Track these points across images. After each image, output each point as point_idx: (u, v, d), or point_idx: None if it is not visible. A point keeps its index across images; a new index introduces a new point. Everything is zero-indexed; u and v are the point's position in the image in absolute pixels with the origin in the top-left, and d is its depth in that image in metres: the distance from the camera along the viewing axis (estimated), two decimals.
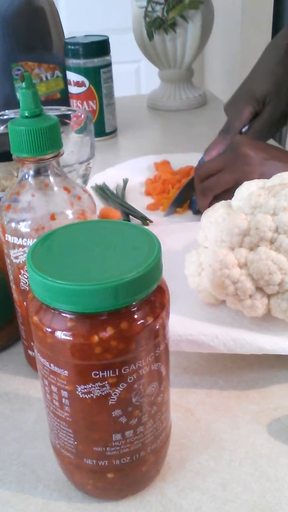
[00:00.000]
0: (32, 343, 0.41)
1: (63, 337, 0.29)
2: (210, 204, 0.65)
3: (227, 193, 0.63)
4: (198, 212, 0.70)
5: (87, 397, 0.30)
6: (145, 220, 0.68)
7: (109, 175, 0.79)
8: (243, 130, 0.76)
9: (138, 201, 0.75)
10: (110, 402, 0.30)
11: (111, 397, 0.30)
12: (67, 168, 0.62)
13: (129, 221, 0.69)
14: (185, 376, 0.45)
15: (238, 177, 0.61)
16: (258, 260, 0.42)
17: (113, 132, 1.04)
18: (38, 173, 0.39)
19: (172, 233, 0.59)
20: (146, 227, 0.32)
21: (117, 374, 0.29)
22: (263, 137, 0.76)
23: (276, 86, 0.77)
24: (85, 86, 0.98)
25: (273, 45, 0.82)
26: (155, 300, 0.30)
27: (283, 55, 0.78)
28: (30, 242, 0.40)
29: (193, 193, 0.71)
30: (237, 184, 0.61)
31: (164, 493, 0.36)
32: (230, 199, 0.62)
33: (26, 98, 0.36)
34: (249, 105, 0.77)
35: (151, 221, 0.68)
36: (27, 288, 0.42)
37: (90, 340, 0.28)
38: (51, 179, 0.40)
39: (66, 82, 1.02)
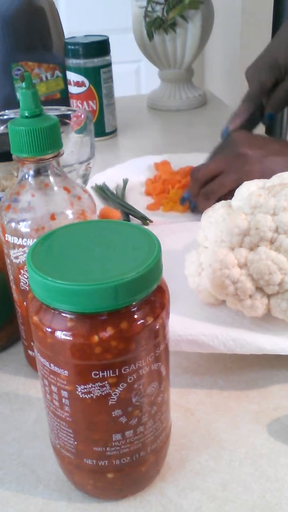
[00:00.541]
0: (32, 343, 0.41)
1: (63, 337, 0.29)
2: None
3: (229, 195, 0.62)
4: (194, 209, 0.70)
5: (87, 397, 0.30)
6: (145, 220, 0.68)
7: (109, 175, 0.79)
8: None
9: (138, 201, 0.75)
10: (110, 402, 0.30)
11: (111, 397, 0.30)
12: (67, 168, 0.62)
13: (129, 221, 0.69)
14: (185, 376, 0.45)
15: (239, 177, 0.61)
16: (258, 260, 0.42)
17: (113, 132, 1.04)
18: (38, 173, 0.39)
19: (172, 233, 0.59)
20: (146, 227, 0.32)
21: (117, 374, 0.29)
22: (281, 105, 0.75)
23: None
24: (85, 86, 0.98)
25: None
26: (155, 300, 0.30)
27: None
28: (30, 242, 0.40)
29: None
30: (239, 184, 0.61)
31: (164, 493, 0.36)
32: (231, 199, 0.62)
33: (26, 98, 0.36)
34: (271, 73, 0.76)
35: (151, 221, 0.68)
36: (27, 288, 0.42)
37: (90, 340, 0.28)
38: (51, 179, 0.40)
39: (66, 82, 1.02)
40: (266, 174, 0.59)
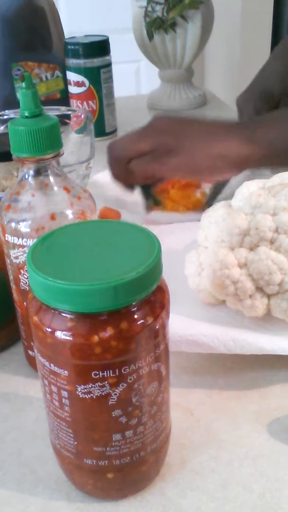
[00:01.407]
0: (32, 343, 0.41)
1: (63, 337, 0.29)
2: (131, 176, 0.61)
3: (143, 158, 0.59)
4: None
5: (87, 397, 0.30)
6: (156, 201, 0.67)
7: (109, 175, 0.79)
8: None
9: (137, 201, 0.75)
10: (110, 402, 0.30)
11: (111, 397, 0.30)
12: (67, 168, 0.61)
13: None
14: (185, 376, 0.45)
15: (152, 143, 0.58)
16: (258, 260, 0.42)
17: (113, 132, 1.04)
18: (38, 173, 0.39)
19: (172, 233, 0.59)
20: (146, 227, 0.32)
21: (117, 374, 0.29)
22: None
23: None
24: (85, 86, 0.98)
25: (285, 47, 0.82)
26: (155, 300, 0.30)
27: None
28: (30, 242, 0.40)
29: (222, 189, 0.70)
30: (152, 151, 0.58)
31: (164, 493, 0.36)
32: (147, 165, 0.59)
33: (26, 98, 0.36)
34: (266, 102, 0.76)
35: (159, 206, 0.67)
36: (27, 288, 0.42)
37: (90, 340, 0.28)
38: (51, 179, 0.40)
39: (66, 82, 1.02)
40: (182, 140, 0.57)
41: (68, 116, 0.66)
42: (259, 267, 0.42)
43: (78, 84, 0.98)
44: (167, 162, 0.58)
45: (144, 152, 0.59)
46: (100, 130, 1.01)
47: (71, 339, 0.29)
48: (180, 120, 0.60)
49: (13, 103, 1.00)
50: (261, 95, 0.77)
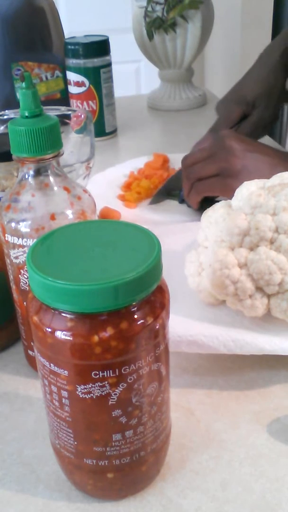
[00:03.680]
0: (32, 343, 0.41)
1: (63, 337, 0.29)
2: (198, 195, 0.66)
3: (210, 181, 0.64)
4: (183, 201, 0.72)
5: (87, 397, 0.30)
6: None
7: (109, 175, 0.79)
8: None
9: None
10: (110, 402, 0.30)
11: (111, 397, 0.30)
12: (67, 168, 0.61)
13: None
14: (185, 376, 0.45)
15: (221, 166, 0.63)
16: (258, 260, 0.42)
17: (113, 132, 1.04)
18: (38, 173, 0.39)
19: (172, 233, 0.59)
20: (146, 227, 0.32)
21: (117, 374, 0.29)
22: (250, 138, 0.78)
23: (267, 91, 0.80)
24: (85, 86, 0.98)
25: (268, 51, 0.85)
26: (155, 300, 0.30)
27: (275, 63, 0.82)
28: (30, 242, 0.40)
29: (177, 186, 0.74)
30: (220, 172, 0.62)
31: (164, 493, 0.36)
32: (213, 188, 0.64)
33: (26, 98, 0.36)
34: (239, 107, 0.80)
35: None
36: (27, 288, 0.42)
37: (90, 340, 0.28)
38: (51, 179, 0.40)
39: (66, 82, 1.02)
40: (248, 169, 0.61)
41: (68, 116, 0.66)
42: (259, 267, 0.42)
43: (78, 84, 0.98)
44: (230, 185, 0.62)
45: (212, 175, 0.64)
46: (100, 130, 1.01)
47: (71, 339, 0.29)
48: (250, 144, 0.64)
49: (13, 103, 1.00)
50: (235, 99, 0.81)
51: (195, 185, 0.66)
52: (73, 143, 0.65)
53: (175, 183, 0.75)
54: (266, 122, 0.81)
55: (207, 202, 0.65)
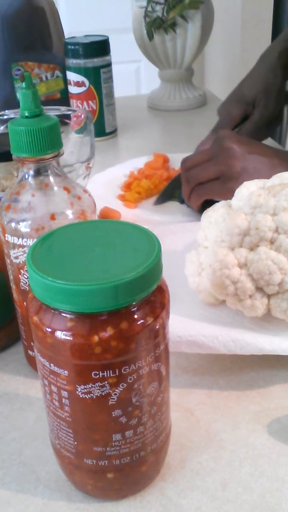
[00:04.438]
0: (32, 343, 0.41)
1: (63, 337, 0.29)
2: (198, 198, 0.66)
3: (211, 184, 0.64)
4: (183, 201, 0.72)
5: (87, 397, 0.30)
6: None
7: (109, 175, 0.79)
8: (234, 131, 0.78)
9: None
10: (110, 402, 0.30)
11: (111, 397, 0.30)
12: (67, 168, 0.61)
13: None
14: (185, 376, 0.45)
15: (221, 168, 0.63)
16: (258, 260, 0.42)
17: (113, 132, 1.04)
18: (38, 173, 0.39)
19: (172, 233, 0.59)
20: (146, 227, 0.32)
21: (117, 374, 0.29)
22: (252, 138, 0.78)
23: (266, 91, 0.81)
24: (85, 86, 0.98)
25: (267, 52, 0.86)
26: (155, 300, 0.30)
27: (274, 63, 0.83)
28: (30, 242, 0.40)
29: (179, 187, 0.74)
30: (221, 175, 0.62)
31: (164, 493, 0.36)
32: (214, 192, 0.64)
33: (26, 98, 0.36)
34: (239, 108, 0.80)
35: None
36: (27, 288, 0.42)
37: (90, 340, 0.28)
38: (51, 179, 0.40)
39: (66, 82, 1.02)
40: (248, 171, 0.61)
41: (68, 116, 0.66)
42: (259, 267, 0.42)
43: (78, 84, 0.98)
44: (231, 188, 0.61)
45: (212, 178, 0.64)
46: (100, 130, 1.01)
47: (71, 339, 0.29)
48: (250, 145, 0.64)
49: (13, 103, 1.00)
50: (235, 100, 0.81)
51: (195, 189, 0.66)
52: (73, 143, 0.65)
53: (178, 184, 0.75)
54: (269, 121, 0.81)
55: (208, 203, 0.65)
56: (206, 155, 0.65)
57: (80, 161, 0.64)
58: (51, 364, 0.30)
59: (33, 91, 0.36)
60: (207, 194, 0.65)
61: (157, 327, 0.30)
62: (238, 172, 0.61)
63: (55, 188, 0.40)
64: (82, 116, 0.66)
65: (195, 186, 0.66)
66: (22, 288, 0.42)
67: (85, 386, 0.30)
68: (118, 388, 0.30)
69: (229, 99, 0.83)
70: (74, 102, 1.01)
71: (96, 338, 0.28)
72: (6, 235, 0.41)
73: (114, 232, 0.32)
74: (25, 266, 0.41)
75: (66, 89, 1.03)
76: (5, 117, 0.66)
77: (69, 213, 0.40)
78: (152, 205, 0.74)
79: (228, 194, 0.61)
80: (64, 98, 1.04)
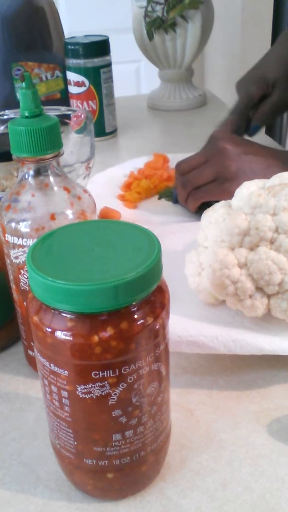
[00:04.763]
0: (32, 343, 0.41)
1: (63, 337, 0.29)
2: (196, 201, 0.66)
3: (207, 187, 0.64)
4: (176, 201, 0.72)
5: (87, 397, 0.30)
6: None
7: (109, 175, 0.79)
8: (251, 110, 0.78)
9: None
10: (110, 402, 0.30)
11: (111, 397, 0.30)
12: (67, 168, 0.61)
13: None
14: (185, 376, 0.45)
15: (217, 170, 0.63)
16: (258, 260, 0.42)
17: (113, 132, 1.04)
18: (38, 173, 0.39)
19: (172, 233, 0.59)
20: (146, 227, 0.32)
21: (117, 374, 0.29)
22: (267, 119, 0.78)
23: (287, 72, 0.79)
24: (85, 86, 0.98)
25: None
26: (155, 300, 0.30)
27: None
28: (30, 242, 0.40)
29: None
30: (216, 177, 0.62)
31: (164, 493, 0.36)
32: (211, 194, 0.64)
33: (26, 98, 0.36)
34: (259, 87, 0.79)
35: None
36: (27, 288, 0.42)
37: (90, 340, 0.28)
38: (51, 179, 0.40)
39: (66, 82, 1.02)
40: (243, 171, 0.61)
41: (68, 116, 0.66)
42: (259, 267, 0.42)
43: (78, 84, 0.98)
44: (228, 189, 0.62)
45: (208, 181, 0.64)
46: (100, 130, 1.01)
47: (71, 339, 0.29)
48: (244, 145, 0.63)
49: (13, 103, 1.00)
50: (255, 80, 0.80)
51: (192, 193, 0.66)
52: (73, 143, 0.65)
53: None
54: (284, 104, 0.80)
55: (204, 204, 0.65)
56: (201, 158, 0.65)
57: (80, 161, 0.64)
58: (51, 364, 0.30)
59: (33, 91, 0.36)
60: (204, 197, 0.65)
61: (157, 327, 0.30)
62: (234, 172, 0.61)
63: (55, 188, 0.40)
64: (82, 116, 0.66)
65: (191, 190, 0.66)
66: (22, 288, 0.42)
67: (85, 386, 0.30)
68: (118, 388, 0.30)
69: (248, 77, 0.82)
70: (74, 102, 1.01)
71: (96, 338, 0.28)
72: (6, 235, 0.41)
73: (114, 232, 0.32)
74: (25, 266, 0.41)
75: (66, 89, 1.03)
76: (5, 117, 0.66)
77: (69, 213, 0.40)
78: (172, 203, 0.74)
79: (225, 195, 0.61)
80: (64, 98, 1.04)
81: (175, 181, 0.69)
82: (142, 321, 0.29)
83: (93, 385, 0.30)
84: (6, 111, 0.67)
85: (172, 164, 0.83)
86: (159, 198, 0.75)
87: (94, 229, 0.33)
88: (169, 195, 0.75)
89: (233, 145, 0.62)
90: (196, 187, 0.65)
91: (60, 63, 1.02)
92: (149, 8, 1.06)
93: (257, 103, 0.80)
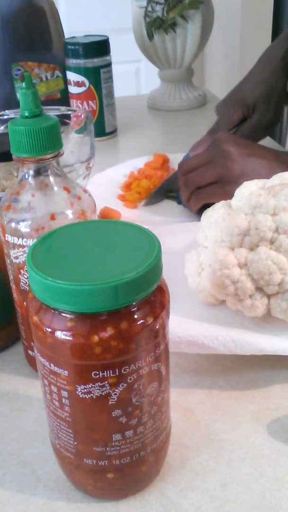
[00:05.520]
0: (32, 343, 0.41)
1: (63, 337, 0.29)
2: (198, 202, 0.66)
3: (210, 188, 0.64)
4: (181, 202, 0.72)
5: (87, 397, 0.30)
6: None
7: (109, 175, 0.79)
8: (231, 132, 0.78)
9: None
10: (110, 402, 0.30)
11: (111, 397, 0.30)
12: (67, 168, 0.62)
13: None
14: (185, 376, 0.45)
15: (219, 171, 0.63)
16: (258, 260, 0.42)
17: (113, 132, 1.04)
18: (38, 173, 0.39)
19: (172, 233, 0.59)
20: (146, 227, 0.32)
21: (117, 374, 0.29)
22: (248, 140, 0.79)
23: (267, 94, 0.81)
24: (85, 86, 0.98)
25: (268, 53, 0.85)
26: (155, 300, 0.30)
27: (276, 65, 0.82)
28: (30, 242, 0.40)
29: (175, 187, 0.74)
30: (219, 179, 0.62)
31: (164, 493, 0.36)
32: (213, 195, 0.63)
33: (26, 98, 0.36)
34: (239, 109, 0.80)
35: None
36: (27, 288, 0.42)
37: (90, 340, 0.28)
38: (51, 179, 0.40)
39: (66, 82, 1.02)
40: (246, 174, 0.61)
41: (68, 116, 0.66)
42: (259, 267, 0.42)
43: (78, 84, 0.98)
44: (230, 191, 0.61)
45: (210, 182, 0.64)
46: (100, 130, 1.01)
47: (71, 339, 0.29)
48: (247, 147, 0.63)
49: (13, 103, 1.00)
50: (235, 102, 0.81)
51: (194, 193, 0.66)
52: (73, 143, 0.65)
53: (173, 183, 0.75)
54: (267, 125, 0.81)
55: (207, 204, 0.65)
56: (204, 159, 0.65)
57: (80, 161, 0.64)
58: (51, 364, 0.30)
59: (33, 91, 0.36)
60: (206, 198, 0.65)
61: (157, 327, 0.30)
62: (237, 175, 0.61)
63: (55, 188, 0.40)
64: (82, 116, 0.66)
65: (194, 190, 0.66)
66: (22, 288, 0.42)
67: (85, 386, 0.30)
68: (118, 388, 0.30)
69: (228, 98, 0.83)
70: (74, 102, 1.01)
71: (96, 338, 0.28)
72: (6, 235, 0.41)
73: (114, 232, 0.32)
74: (25, 266, 0.41)
75: (66, 89, 1.03)
76: (5, 117, 0.66)
77: (69, 213, 0.40)
78: (142, 205, 0.74)
79: (227, 197, 0.61)
80: (64, 98, 1.04)
81: (178, 180, 0.69)
82: (142, 321, 0.29)
83: (93, 385, 0.30)
84: (6, 111, 0.67)
85: (172, 164, 0.83)
86: (167, 193, 0.75)
87: (94, 229, 0.33)
88: (174, 196, 0.74)
89: (237, 147, 0.62)
90: (199, 187, 0.65)
91: (60, 63, 1.02)
92: (149, 8, 1.06)
93: (237, 125, 0.80)
